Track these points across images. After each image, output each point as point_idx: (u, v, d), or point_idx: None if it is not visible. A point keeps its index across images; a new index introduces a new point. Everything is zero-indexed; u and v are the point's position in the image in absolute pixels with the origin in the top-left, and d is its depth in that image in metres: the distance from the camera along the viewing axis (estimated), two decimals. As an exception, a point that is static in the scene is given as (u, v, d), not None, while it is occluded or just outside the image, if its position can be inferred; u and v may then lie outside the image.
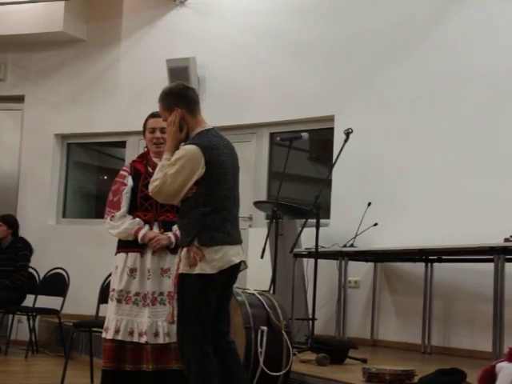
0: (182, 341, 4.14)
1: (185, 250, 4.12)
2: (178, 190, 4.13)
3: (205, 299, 4.12)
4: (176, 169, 4.12)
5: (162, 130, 4.91)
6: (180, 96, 4.33)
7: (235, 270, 4.27)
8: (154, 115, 5.00)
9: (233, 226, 4.26)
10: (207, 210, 4.13)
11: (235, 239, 4.25)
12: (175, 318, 4.20)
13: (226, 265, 4.15)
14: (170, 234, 4.76)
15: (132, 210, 4.87)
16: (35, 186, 10.49)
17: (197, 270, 4.07)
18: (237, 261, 4.22)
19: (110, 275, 6.64)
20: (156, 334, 4.67)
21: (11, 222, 9.25)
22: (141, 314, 4.71)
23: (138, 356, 4.70)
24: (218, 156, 4.18)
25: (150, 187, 4.22)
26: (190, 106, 4.31)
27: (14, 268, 8.95)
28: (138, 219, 4.82)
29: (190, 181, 4.12)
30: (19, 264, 8.97)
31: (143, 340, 4.65)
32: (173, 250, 4.75)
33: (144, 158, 5.03)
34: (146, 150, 5.08)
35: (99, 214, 10.85)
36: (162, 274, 4.75)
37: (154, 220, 4.83)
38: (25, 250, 9.09)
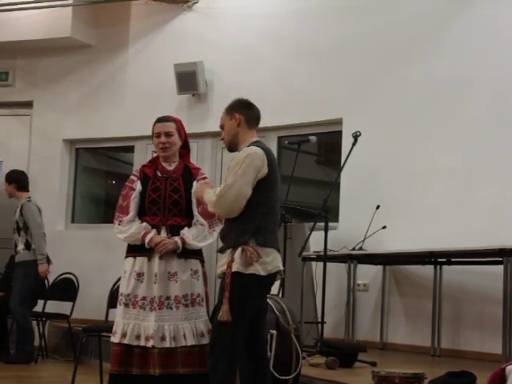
0: (217, 337, 4.17)
1: (240, 249, 4.15)
2: (247, 191, 4.16)
3: (251, 301, 4.18)
4: (243, 168, 4.18)
5: (167, 134, 4.92)
6: (244, 106, 4.49)
7: (274, 280, 4.32)
8: (159, 120, 5.01)
9: (277, 232, 4.36)
10: (264, 211, 4.22)
11: (279, 246, 4.35)
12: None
13: (274, 269, 4.22)
14: (176, 239, 4.76)
15: (140, 215, 4.87)
16: (44, 191, 10.48)
17: (251, 270, 4.12)
18: (281, 267, 4.30)
19: (119, 280, 6.66)
20: (163, 338, 4.66)
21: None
22: (147, 318, 4.70)
23: (145, 360, 4.69)
24: (274, 162, 4.33)
25: (213, 197, 4.22)
26: (250, 117, 4.46)
27: None
28: (145, 223, 4.82)
29: (254, 180, 4.19)
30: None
31: (150, 344, 4.64)
32: (180, 254, 4.75)
33: (153, 162, 5.03)
34: (156, 154, 5.09)
35: (108, 218, 10.85)
36: (169, 278, 4.74)
37: (161, 224, 4.82)
38: None
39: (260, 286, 4.20)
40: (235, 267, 4.13)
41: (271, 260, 4.20)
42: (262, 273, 4.14)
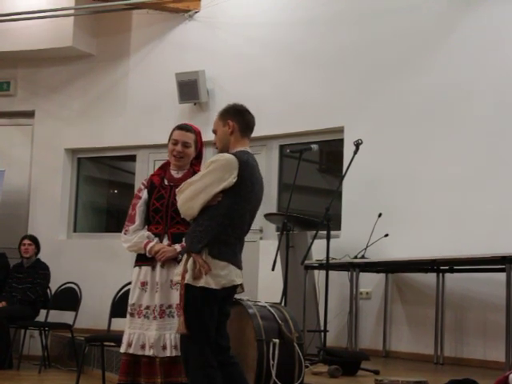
0: (187, 353, 4.09)
1: (191, 260, 4.07)
2: (199, 191, 4.08)
3: (208, 312, 4.09)
4: (208, 170, 4.10)
5: (185, 144, 4.87)
6: (239, 113, 4.33)
7: (234, 291, 4.25)
8: (180, 127, 4.94)
9: (240, 250, 4.24)
10: (225, 223, 4.10)
11: (239, 263, 4.22)
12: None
13: (229, 283, 4.11)
14: (176, 246, 4.72)
15: (147, 224, 4.87)
16: (46, 200, 10.51)
17: (201, 283, 4.03)
18: (238, 282, 4.19)
19: (121, 289, 6.68)
20: (164, 347, 4.64)
21: (38, 243, 9.39)
22: (151, 327, 4.69)
23: (152, 369, 4.68)
24: (251, 176, 4.17)
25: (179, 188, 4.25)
26: (243, 125, 4.30)
27: (31, 286, 9.03)
28: (147, 232, 4.81)
29: (216, 185, 4.07)
30: (37, 281, 9.05)
31: (150, 353, 4.63)
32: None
33: (163, 169, 5.00)
34: (166, 160, 5.03)
35: (110, 228, 10.88)
36: (170, 286, 4.71)
37: (163, 233, 4.82)
38: (46, 270, 9.19)
39: (213, 299, 4.08)
40: (186, 279, 4.07)
41: (226, 274, 4.08)
42: (214, 286, 4.03)
